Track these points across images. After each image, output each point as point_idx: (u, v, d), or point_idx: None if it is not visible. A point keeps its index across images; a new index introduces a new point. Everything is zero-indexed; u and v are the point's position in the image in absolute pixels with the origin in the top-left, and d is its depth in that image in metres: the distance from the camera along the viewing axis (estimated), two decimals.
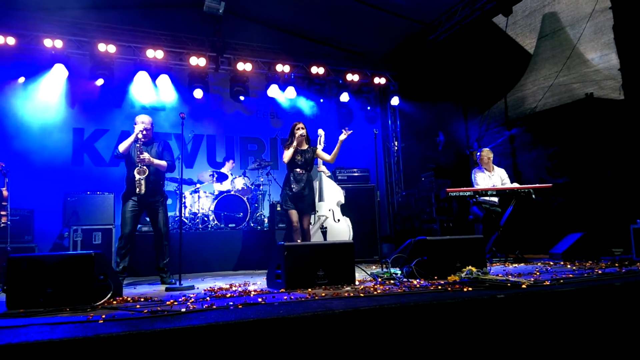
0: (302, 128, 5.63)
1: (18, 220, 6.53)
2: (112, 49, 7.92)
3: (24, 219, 6.64)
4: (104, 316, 2.48)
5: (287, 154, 5.54)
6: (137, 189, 5.04)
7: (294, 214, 5.50)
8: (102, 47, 7.85)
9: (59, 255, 3.30)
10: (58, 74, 7.75)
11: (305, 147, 5.64)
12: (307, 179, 5.60)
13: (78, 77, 8.09)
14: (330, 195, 6.84)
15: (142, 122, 5.24)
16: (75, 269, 3.12)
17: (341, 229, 6.84)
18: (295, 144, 5.55)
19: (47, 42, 7.59)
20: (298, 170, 5.57)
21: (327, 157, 5.71)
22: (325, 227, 6.70)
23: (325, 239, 6.65)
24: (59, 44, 7.65)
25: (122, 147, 5.15)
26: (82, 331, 2.08)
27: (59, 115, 8.10)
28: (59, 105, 8.11)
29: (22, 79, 7.74)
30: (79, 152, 8.34)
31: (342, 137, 5.53)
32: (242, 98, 9.08)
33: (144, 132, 5.14)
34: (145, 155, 5.12)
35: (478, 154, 6.85)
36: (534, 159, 7.40)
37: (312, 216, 6.08)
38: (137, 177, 5.06)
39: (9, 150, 7.37)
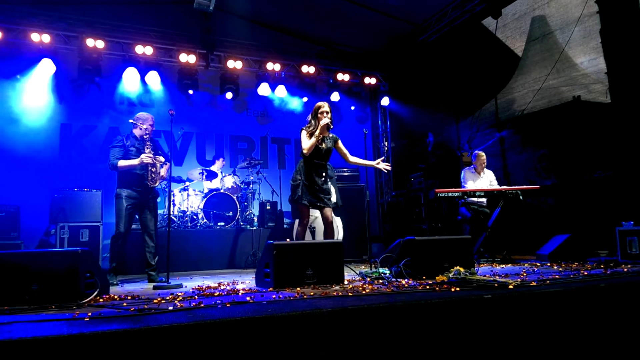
0: (328, 112, 4.83)
1: (4, 216, 6.45)
2: (100, 44, 7.84)
3: (10, 215, 6.55)
4: (90, 314, 2.45)
5: (309, 145, 4.76)
6: (152, 182, 5.08)
7: (306, 210, 4.89)
8: (90, 42, 7.76)
9: (44, 252, 3.26)
10: (45, 69, 7.66)
11: (327, 134, 4.93)
12: (327, 171, 5.00)
13: (66, 72, 8.00)
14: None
15: (147, 124, 5.23)
16: (61, 266, 3.08)
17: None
18: (318, 132, 4.78)
19: (35, 37, 7.49)
20: (318, 160, 4.88)
21: (347, 154, 5.08)
22: (314, 227, 6.68)
23: (313, 238, 6.64)
24: (46, 38, 7.55)
25: (123, 164, 5.03)
26: (67, 329, 2.05)
27: (46, 111, 7.99)
28: (47, 100, 8.00)
29: (19, 77, 7.67)
30: (67, 148, 8.24)
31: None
32: (232, 96, 9.05)
33: (151, 158, 5.11)
34: (163, 172, 5.20)
35: (475, 153, 6.89)
36: (523, 161, 7.47)
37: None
38: (151, 158, 5.09)
39: None
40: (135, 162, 5.03)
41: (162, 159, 5.24)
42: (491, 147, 7.91)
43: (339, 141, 5.03)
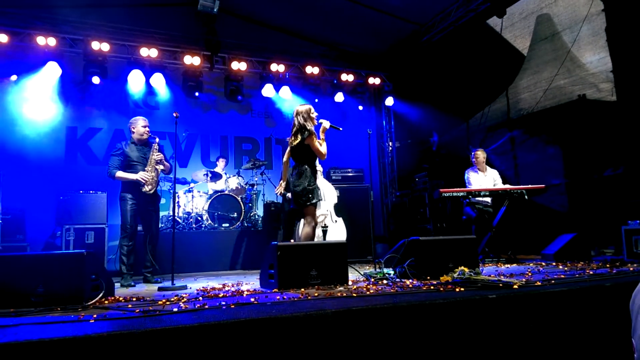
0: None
1: (10, 219, 6.48)
2: (105, 47, 7.87)
3: (16, 217, 6.59)
4: (95, 316, 2.46)
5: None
6: (148, 187, 5.10)
7: (316, 210, 4.99)
8: (95, 45, 7.79)
9: (50, 255, 3.28)
10: (51, 72, 7.67)
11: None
12: None
13: (71, 75, 8.03)
14: (328, 195, 6.82)
15: (138, 125, 5.29)
16: (66, 268, 3.10)
17: (339, 230, 6.82)
18: (323, 135, 4.90)
19: (40, 40, 7.53)
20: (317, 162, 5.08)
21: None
22: (327, 226, 6.68)
23: (325, 238, 6.63)
24: (52, 41, 7.59)
25: (120, 176, 5.15)
26: (72, 331, 2.06)
27: (52, 114, 8.01)
28: (52, 103, 8.03)
29: (14, 77, 7.67)
30: (72, 151, 8.29)
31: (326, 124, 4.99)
32: (236, 97, 9.06)
33: (147, 178, 5.15)
34: (161, 156, 5.25)
35: (472, 154, 6.88)
36: (533, 160, 7.44)
37: None
38: (150, 175, 5.14)
39: (1, 149, 7.31)
40: (132, 176, 5.12)
41: (160, 166, 5.27)
42: (502, 147, 7.88)
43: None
